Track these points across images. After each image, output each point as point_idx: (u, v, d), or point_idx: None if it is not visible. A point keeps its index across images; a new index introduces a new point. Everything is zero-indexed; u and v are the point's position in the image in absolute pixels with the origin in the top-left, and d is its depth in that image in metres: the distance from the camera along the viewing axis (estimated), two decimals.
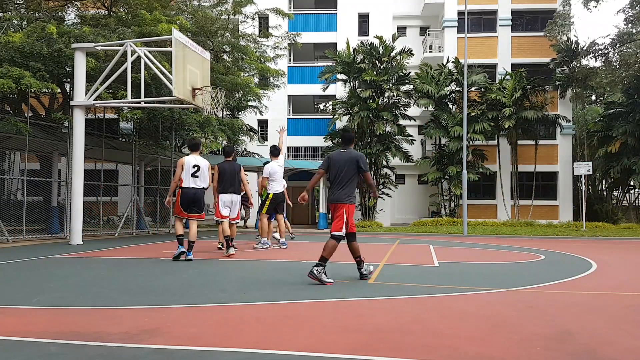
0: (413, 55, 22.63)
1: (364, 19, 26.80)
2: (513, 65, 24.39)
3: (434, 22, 27.59)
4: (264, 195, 9.39)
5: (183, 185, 7.45)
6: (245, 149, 23.86)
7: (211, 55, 12.77)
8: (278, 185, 9.31)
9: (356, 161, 5.61)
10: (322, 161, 6.79)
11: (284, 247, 9.66)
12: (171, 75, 9.89)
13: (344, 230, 5.48)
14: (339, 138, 22.90)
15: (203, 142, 17.59)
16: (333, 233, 5.49)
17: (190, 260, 7.37)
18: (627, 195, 26.33)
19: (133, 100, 11.03)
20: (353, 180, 5.62)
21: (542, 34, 23.64)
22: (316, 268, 5.37)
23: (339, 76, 23.18)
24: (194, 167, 7.46)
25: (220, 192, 8.33)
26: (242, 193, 8.88)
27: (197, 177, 7.48)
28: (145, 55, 10.38)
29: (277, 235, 10.14)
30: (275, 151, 9.50)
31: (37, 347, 2.92)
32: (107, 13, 14.48)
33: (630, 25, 21.81)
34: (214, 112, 11.56)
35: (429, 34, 26.97)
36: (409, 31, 28.03)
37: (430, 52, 26.44)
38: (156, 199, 17.33)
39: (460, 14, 24.90)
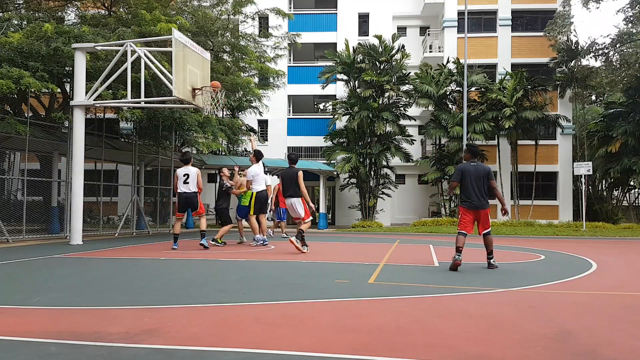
0: (409, 55, 22.55)
1: (364, 19, 26.79)
2: (513, 65, 24.39)
3: (434, 22, 27.59)
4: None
5: (178, 191, 9.32)
6: (245, 149, 23.88)
7: (211, 55, 12.77)
8: (260, 186, 10.05)
9: (487, 173, 6.89)
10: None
11: (265, 244, 10.20)
12: (171, 75, 9.89)
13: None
14: (338, 138, 22.94)
15: (203, 142, 17.61)
16: (487, 231, 6.98)
17: (204, 247, 9.27)
18: (627, 195, 26.33)
19: (133, 100, 11.03)
20: (485, 188, 6.84)
21: (542, 34, 23.64)
22: (492, 260, 7.07)
23: (339, 76, 23.17)
24: (184, 175, 9.26)
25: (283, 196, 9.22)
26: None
27: (187, 183, 9.22)
28: (145, 55, 10.37)
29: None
30: (259, 155, 10.22)
31: (37, 347, 2.92)
32: (107, 13, 14.48)
33: (630, 25, 21.81)
34: (214, 112, 11.57)
35: (429, 34, 26.97)
36: (409, 31, 28.03)
37: (430, 52, 26.44)
38: (156, 199, 17.34)
39: (460, 14, 24.90)
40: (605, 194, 26.69)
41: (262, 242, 10.15)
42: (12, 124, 10.91)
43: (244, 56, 16.52)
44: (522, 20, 25.51)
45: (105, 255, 8.48)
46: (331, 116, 23.89)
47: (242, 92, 17.19)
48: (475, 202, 6.73)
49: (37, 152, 13.55)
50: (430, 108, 22.60)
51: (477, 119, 21.85)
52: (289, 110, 27.04)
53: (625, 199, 26.27)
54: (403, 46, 22.07)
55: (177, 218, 9.66)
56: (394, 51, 21.96)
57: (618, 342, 3.14)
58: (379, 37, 21.90)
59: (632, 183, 24.56)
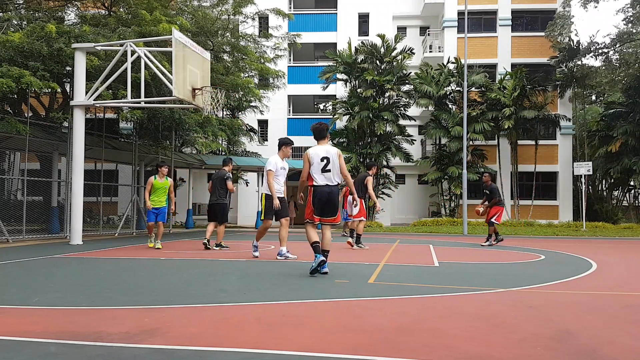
0: (414, 54, 22.64)
1: (364, 19, 26.79)
2: (513, 65, 24.39)
3: (434, 22, 27.59)
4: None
5: (313, 183, 5.90)
6: (245, 149, 23.88)
7: (211, 55, 12.77)
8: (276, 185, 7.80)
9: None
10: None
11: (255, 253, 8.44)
12: (171, 75, 9.89)
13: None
14: (339, 138, 22.95)
15: (203, 142, 17.55)
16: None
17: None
18: (627, 195, 26.33)
19: (133, 100, 11.03)
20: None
21: (542, 34, 23.66)
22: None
23: (340, 76, 23.17)
24: (322, 160, 5.86)
25: None
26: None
27: (329, 171, 5.86)
28: (145, 55, 10.37)
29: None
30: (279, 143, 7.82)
31: (37, 347, 2.91)
32: (107, 13, 14.48)
33: (630, 25, 21.81)
34: (214, 112, 11.56)
35: (429, 34, 26.97)
36: (409, 31, 28.04)
37: (430, 52, 26.44)
38: None
39: (460, 14, 24.90)
40: (605, 194, 26.69)
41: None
42: (12, 124, 10.91)
43: (244, 56, 16.52)
44: (522, 20, 25.52)
45: (105, 255, 8.48)
46: (331, 116, 23.90)
47: (242, 93, 17.20)
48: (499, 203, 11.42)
49: (37, 152, 13.55)
50: (430, 108, 22.61)
51: (477, 118, 21.85)
52: (289, 110, 27.04)
53: (625, 199, 26.27)
54: (411, 50, 22.12)
55: (310, 222, 6.06)
56: (395, 51, 21.97)
57: (618, 342, 3.14)
58: (382, 37, 21.89)
59: (632, 183, 24.57)
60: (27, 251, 8.96)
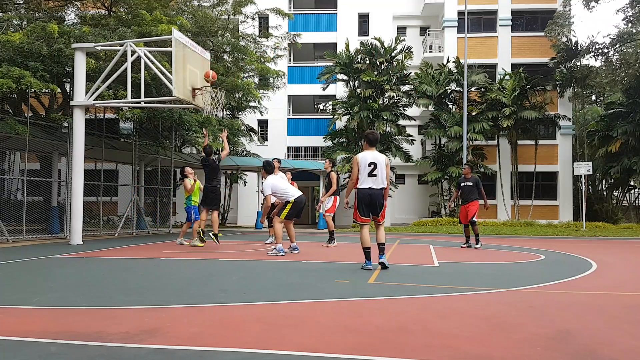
0: (412, 54, 22.66)
1: (364, 19, 26.81)
2: (513, 65, 24.40)
3: (434, 22, 27.60)
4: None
5: (359, 186, 6.39)
6: (245, 149, 23.89)
7: (211, 55, 12.77)
8: (294, 191, 8.51)
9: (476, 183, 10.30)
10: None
11: (296, 251, 8.76)
12: (171, 75, 9.88)
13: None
14: (338, 138, 22.98)
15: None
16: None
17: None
18: (627, 195, 26.33)
19: (133, 100, 11.03)
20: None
21: (542, 34, 23.67)
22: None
23: (339, 76, 23.19)
24: (369, 165, 6.36)
25: None
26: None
27: (374, 176, 6.36)
28: (145, 55, 10.37)
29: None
30: (268, 167, 8.64)
31: (37, 347, 2.91)
32: (107, 13, 14.48)
33: (630, 25, 21.83)
34: (214, 112, 11.55)
35: (429, 34, 26.98)
36: (409, 31, 28.05)
37: (430, 52, 26.46)
38: (156, 199, 17.34)
39: (460, 14, 24.91)
40: (605, 194, 26.69)
41: (284, 251, 8.42)
42: (12, 125, 10.91)
43: (244, 56, 16.53)
44: (522, 20, 25.53)
45: (105, 255, 8.48)
46: (331, 116, 23.91)
47: (242, 93, 17.21)
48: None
49: (37, 152, 13.54)
50: (430, 108, 22.63)
51: (476, 118, 21.86)
52: (289, 110, 27.05)
53: (625, 199, 26.28)
54: (409, 48, 22.14)
55: (364, 223, 6.47)
56: (395, 52, 21.99)
57: (618, 342, 3.14)
58: (378, 39, 21.92)
59: (632, 183, 24.58)
60: (27, 251, 8.96)
